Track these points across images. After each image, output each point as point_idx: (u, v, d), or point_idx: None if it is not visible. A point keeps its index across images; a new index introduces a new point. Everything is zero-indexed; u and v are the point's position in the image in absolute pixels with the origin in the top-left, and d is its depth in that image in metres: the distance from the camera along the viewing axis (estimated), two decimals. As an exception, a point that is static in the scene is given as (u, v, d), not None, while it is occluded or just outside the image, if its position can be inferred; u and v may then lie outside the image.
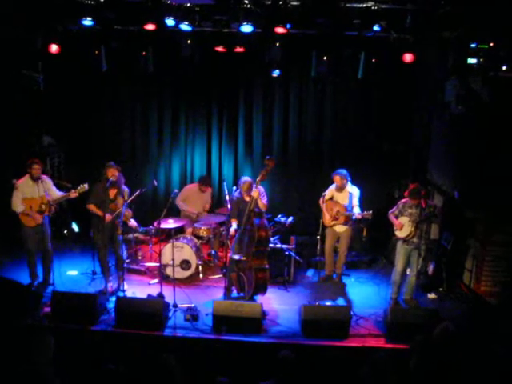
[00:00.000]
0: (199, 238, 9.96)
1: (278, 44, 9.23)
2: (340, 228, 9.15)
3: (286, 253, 9.15)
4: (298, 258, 9.54)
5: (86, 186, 8.28)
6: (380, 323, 7.70)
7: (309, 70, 9.83)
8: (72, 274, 9.39)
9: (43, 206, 8.34)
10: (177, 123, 11.94)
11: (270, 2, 8.29)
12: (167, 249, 8.93)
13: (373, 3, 8.18)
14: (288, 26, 8.58)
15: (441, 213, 8.78)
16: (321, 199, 8.90)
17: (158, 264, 9.05)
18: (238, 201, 8.49)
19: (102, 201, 8.26)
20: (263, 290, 8.16)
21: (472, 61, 8.23)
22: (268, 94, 11.69)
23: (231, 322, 7.26)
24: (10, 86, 10.10)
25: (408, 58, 9.07)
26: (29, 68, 10.51)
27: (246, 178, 8.44)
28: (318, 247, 8.84)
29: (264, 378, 5.07)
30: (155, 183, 9.99)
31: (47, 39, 9.43)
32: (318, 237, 8.80)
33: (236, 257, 8.18)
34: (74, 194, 8.34)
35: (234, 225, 8.45)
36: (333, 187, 9.14)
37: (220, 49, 9.92)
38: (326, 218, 9.04)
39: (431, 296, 8.83)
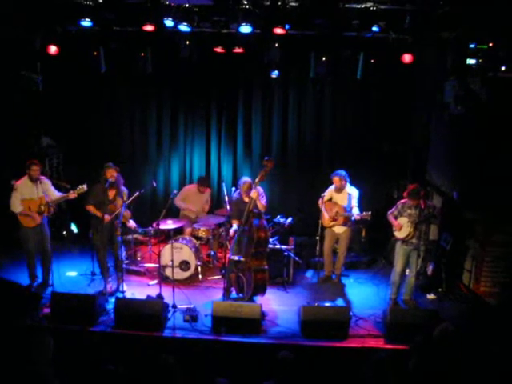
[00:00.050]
0: (198, 238, 9.98)
1: (276, 45, 9.22)
2: (339, 229, 9.16)
3: (285, 253, 9.15)
4: (297, 258, 9.54)
5: (84, 186, 8.28)
6: (379, 324, 7.70)
7: (308, 70, 9.82)
8: (71, 274, 9.39)
9: (42, 207, 8.34)
10: (176, 124, 11.94)
11: (268, 3, 8.29)
12: (166, 250, 8.94)
13: (371, 4, 8.19)
14: (287, 26, 8.60)
15: (440, 213, 8.77)
16: (320, 200, 8.89)
17: (157, 265, 9.03)
18: (238, 201, 8.48)
19: (100, 202, 8.27)
20: (262, 291, 8.16)
21: (471, 61, 8.24)
22: (267, 94, 11.70)
23: (230, 322, 7.26)
24: (9, 86, 10.10)
25: (407, 58, 9.08)
26: (28, 69, 10.52)
27: (245, 179, 8.43)
28: (317, 248, 8.82)
29: (263, 378, 5.06)
30: (154, 184, 10.00)
31: (46, 40, 9.43)
32: (317, 237, 8.77)
33: (235, 258, 8.18)
34: (72, 195, 8.33)
35: (235, 226, 8.42)
36: (332, 188, 9.14)
37: (219, 49, 9.94)
38: (326, 219, 9.04)
39: (430, 297, 8.83)
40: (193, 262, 9.20)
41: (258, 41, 9.38)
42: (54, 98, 11.20)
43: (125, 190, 8.52)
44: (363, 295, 8.99)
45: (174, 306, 7.95)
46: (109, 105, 11.88)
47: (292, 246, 9.31)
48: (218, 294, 8.58)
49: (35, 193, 8.25)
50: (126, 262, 9.34)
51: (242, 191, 8.35)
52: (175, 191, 9.42)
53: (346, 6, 8.28)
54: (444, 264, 9.04)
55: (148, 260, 9.98)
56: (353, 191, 9.03)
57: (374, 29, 8.55)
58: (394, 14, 8.46)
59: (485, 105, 8.18)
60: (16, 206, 8.28)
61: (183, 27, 8.74)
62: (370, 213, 8.57)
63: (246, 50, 9.84)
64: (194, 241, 9.68)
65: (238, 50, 9.83)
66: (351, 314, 7.69)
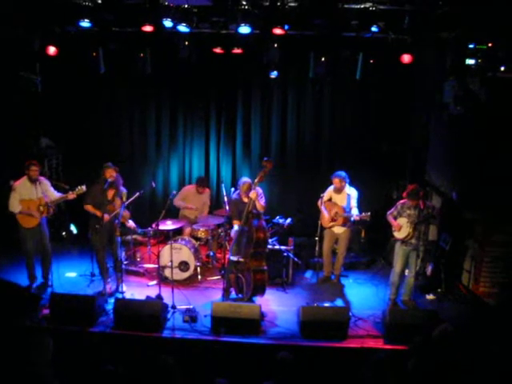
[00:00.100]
0: (197, 239, 9.97)
1: (275, 45, 9.20)
2: (338, 229, 9.16)
3: (285, 254, 9.14)
4: (296, 259, 9.52)
5: (83, 187, 8.28)
6: (378, 324, 7.70)
7: (307, 71, 9.80)
8: (70, 275, 9.38)
9: (41, 208, 8.34)
10: (175, 124, 11.94)
11: (267, 3, 8.29)
12: (165, 250, 8.94)
13: (371, 4, 8.18)
14: (286, 27, 8.60)
15: (439, 214, 8.77)
16: (319, 201, 8.89)
17: (156, 265, 9.03)
18: (237, 202, 8.48)
19: (99, 202, 8.27)
20: (262, 292, 8.16)
21: (470, 61, 8.24)
22: (266, 95, 11.70)
23: (230, 323, 7.26)
24: (8, 87, 10.10)
25: (406, 58, 9.07)
26: (27, 70, 10.52)
27: (245, 179, 8.42)
28: (317, 248, 8.82)
29: (263, 379, 5.06)
30: (153, 185, 10.00)
31: (45, 41, 9.41)
32: (317, 238, 8.77)
33: (234, 258, 8.17)
34: (71, 196, 8.33)
35: (236, 226, 8.40)
36: (331, 189, 9.14)
37: (218, 50, 9.93)
38: (326, 218, 9.03)
39: (430, 297, 8.84)
40: (192, 262, 9.20)
41: (257, 41, 9.36)
42: (53, 98, 11.20)
43: (124, 191, 8.50)
44: (362, 296, 8.99)
45: (174, 307, 7.94)
46: (108, 105, 11.88)
47: (291, 247, 9.30)
48: (217, 295, 8.58)
49: (34, 193, 8.25)
50: (126, 262, 9.32)
51: (242, 192, 8.34)
52: (174, 192, 9.43)
53: (345, 6, 8.27)
54: (443, 264, 9.04)
55: (147, 261, 9.98)
56: (352, 192, 9.04)
57: (373, 29, 8.54)
58: (393, 14, 8.46)
59: (484, 105, 8.17)
60: (15, 206, 8.28)
61: (182, 28, 8.73)
62: (369, 213, 8.57)
63: (245, 50, 9.84)
64: (194, 241, 9.68)
65: (237, 50, 9.84)
66: (350, 314, 7.69)
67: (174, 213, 10.59)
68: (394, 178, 11.32)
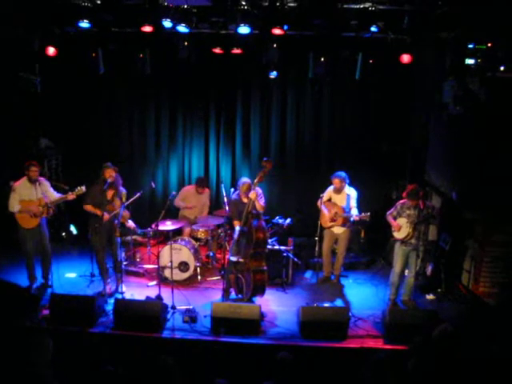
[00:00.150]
0: (197, 239, 9.98)
1: (275, 45, 9.21)
2: (338, 229, 9.16)
3: (284, 254, 9.14)
4: (296, 259, 9.52)
5: (83, 188, 8.28)
6: (378, 324, 7.71)
7: (306, 71, 9.80)
8: (70, 276, 9.38)
9: (41, 208, 8.34)
10: (174, 125, 11.94)
11: (267, 4, 8.29)
12: (165, 251, 8.94)
13: (370, 4, 8.18)
14: (285, 27, 8.60)
15: (439, 214, 8.77)
16: (319, 201, 8.89)
17: (156, 266, 9.04)
18: (236, 202, 8.47)
19: (99, 202, 8.27)
20: (261, 292, 8.16)
21: (470, 61, 8.24)
22: (265, 95, 11.70)
23: (229, 323, 7.26)
24: (8, 88, 10.10)
25: (405, 58, 9.08)
26: (26, 70, 10.52)
27: (245, 179, 8.41)
28: (316, 248, 8.82)
29: (262, 379, 5.06)
30: (153, 185, 10.00)
31: (44, 41, 9.41)
32: (316, 238, 8.77)
33: (234, 258, 8.17)
34: (71, 196, 8.33)
35: (238, 227, 8.35)
36: (331, 189, 9.14)
37: (217, 50, 9.94)
38: (326, 218, 9.02)
39: (429, 297, 8.84)
40: (192, 262, 9.19)
41: (256, 41, 9.36)
42: (53, 99, 11.21)
43: (123, 191, 8.50)
44: (362, 296, 8.99)
45: (173, 307, 7.94)
46: (107, 106, 11.88)
47: (291, 247, 9.30)
48: (217, 295, 8.58)
49: (34, 194, 8.25)
50: (125, 263, 9.33)
51: (241, 192, 8.32)
52: (174, 192, 9.42)
53: (345, 6, 8.27)
54: (443, 264, 9.04)
55: (147, 261, 9.99)
56: (351, 192, 9.03)
57: (373, 29, 8.54)
58: (393, 14, 8.46)
59: (483, 105, 8.17)
60: (14, 205, 8.28)
61: (181, 28, 8.72)
62: (368, 214, 8.56)
63: (245, 50, 9.85)
64: (193, 242, 9.68)
65: (236, 50, 9.84)
66: (350, 314, 7.69)
67: (173, 213, 10.60)
68: (394, 178, 11.32)
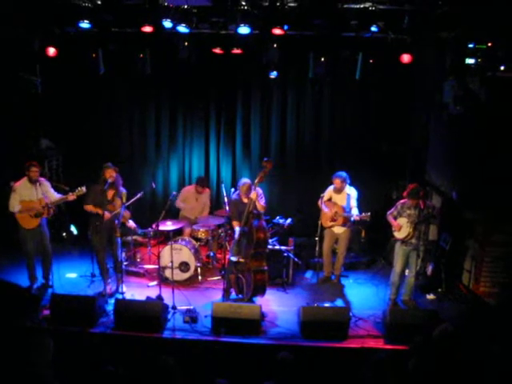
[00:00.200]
0: (198, 240, 9.97)
1: (275, 45, 9.20)
2: (338, 229, 9.16)
3: (285, 254, 9.14)
4: (296, 259, 9.52)
5: (83, 188, 8.27)
6: (379, 324, 7.70)
7: (306, 71, 9.79)
8: (71, 276, 9.38)
9: (41, 209, 8.33)
10: (174, 125, 11.95)
11: (267, 4, 8.28)
12: (166, 251, 8.94)
13: (370, 4, 8.18)
14: (285, 27, 8.59)
15: (439, 213, 8.77)
16: (319, 200, 8.89)
17: (156, 266, 9.04)
18: (237, 202, 8.47)
19: (99, 202, 8.26)
20: (262, 292, 8.16)
21: (470, 61, 8.23)
22: (266, 95, 11.71)
23: (230, 323, 7.26)
24: (8, 88, 10.10)
25: (406, 58, 9.07)
26: (27, 71, 10.53)
27: (245, 180, 8.41)
28: (317, 248, 8.82)
29: (263, 379, 5.06)
30: (153, 185, 10.01)
31: (45, 42, 9.41)
32: (317, 238, 8.77)
33: (234, 258, 8.18)
34: (71, 197, 8.32)
35: (237, 228, 8.36)
36: (331, 188, 9.14)
37: (217, 50, 9.93)
38: (327, 216, 9.01)
39: (430, 297, 8.83)
40: (192, 263, 9.19)
41: (256, 41, 9.36)
42: (53, 99, 11.22)
43: (124, 191, 8.50)
44: (363, 296, 8.99)
45: (174, 307, 7.94)
46: (108, 106, 11.89)
47: (291, 247, 9.30)
48: (217, 295, 8.59)
49: (34, 194, 8.25)
50: (126, 263, 9.34)
51: (242, 192, 8.33)
52: (174, 192, 9.40)
53: (345, 6, 8.27)
54: (443, 264, 9.04)
55: (147, 261, 9.99)
56: (352, 191, 9.03)
57: (373, 29, 8.54)
58: (393, 14, 8.46)
59: (484, 104, 8.17)
60: (14, 205, 8.28)
61: (182, 28, 8.72)
62: (369, 214, 8.55)
63: (245, 50, 9.84)
64: (194, 242, 9.68)
65: (236, 50, 9.83)
66: (351, 314, 7.70)
67: (174, 213, 10.60)
68: (394, 178, 11.32)
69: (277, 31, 8.51)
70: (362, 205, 9.04)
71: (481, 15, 7.69)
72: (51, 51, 9.42)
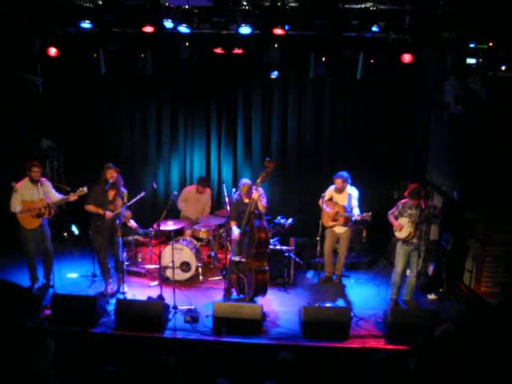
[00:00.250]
0: (199, 239, 9.97)
1: (276, 45, 9.20)
2: (339, 229, 9.15)
3: (286, 254, 9.14)
4: (297, 259, 9.53)
5: (85, 189, 8.27)
6: (380, 324, 7.70)
7: (307, 71, 9.79)
8: (72, 276, 9.39)
9: (43, 209, 8.34)
10: (176, 125, 11.95)
11: (268, 4, 8.29)
12: (167, 251, 8.94)
13: (371, 4, 8.19)
14: (286, 27, 8.61)
15: (440, 213, 8.76)
16: (320, 200, 8.89)
17: (157, 266, 9.04)
18: (238, 203, 8.47)
19: (100, 202, 8.26)
20: (263, 292, 8.16)
21: (471, 61, 8.24)
22: (267, 95, 11.72)
23: (231, 323, 7.25)
24: (9, 88, 10.11)
25: (407, 58, 9.08)
26: (28, 71, 10.53)
27: (245, 181, 8.40)
28: (318, 248, 8.81)
29: (264, 379, 5.06)
30: (155, 185, 10.01)
31: (46, 42, 9.42)
32: (318, 238, 8.76)
33: (236, 258, 8.18)
34: (73, 197, 8.32)
35: (235, 227, 8.38)
36: (332, 188, 9.14)
37: (218, 50, 9.94)
38: (328, 214, 9.00)
39: (431, 297, 8.83)
40: (193, 263, 9.19)
41: (257, 41, 9.37)
42: (54, 99, 11.23)
43: (125, 191, 8.50)
44: (364, 296, 8.99)
45: (175, 307, 7.95)
46: (109, 106, 11.90)
47: (292, 247, 9.31)
48: (218, 295, 8.59)
49: (36, 195, 8.26)
50: (127, 263, 9.34)
51: (242, 193, 8.32)
52: (175, 192, 9.40)
53: (346, 6, 8.28)
54: (445, 264, 9.03)
55: (149, 261, 9.99)
56: (353, 191, 9.03)
57: (374, 29, 8.55)
58: (394, 14, 8.46)
59: (485, 104, 8.17)
60: (15, 205, 8.29)
61: (183, 28, 8.73)
62: (370, 213, 8.55)
63: (246, 50, 9.85)
64: (195, 242, 9.67)
65: (237, 50, 9.85)
66: (352, 314, 7.69)
67: (175, 213, 10.59)
68: (395, 178, 11.32)
69: (278, 31, 8.52)
70: (363, 204, 9.04)
71: (482, 15, 7.69)
72: (52, 51, 9.44)
